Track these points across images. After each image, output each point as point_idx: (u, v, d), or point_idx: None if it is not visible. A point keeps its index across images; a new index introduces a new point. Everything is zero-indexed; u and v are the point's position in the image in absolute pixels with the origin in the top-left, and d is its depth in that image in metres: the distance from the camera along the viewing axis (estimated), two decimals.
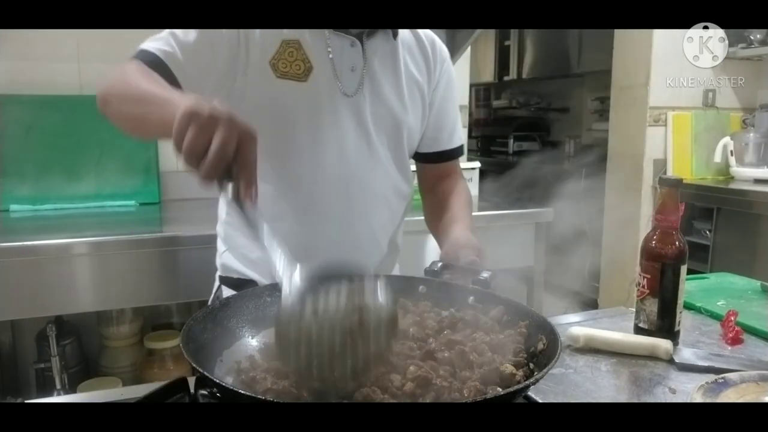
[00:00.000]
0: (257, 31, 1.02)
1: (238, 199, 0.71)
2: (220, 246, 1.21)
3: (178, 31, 0.99)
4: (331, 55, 1.05)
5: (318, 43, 1.05)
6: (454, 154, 1.28)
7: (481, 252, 1.00)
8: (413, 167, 1.28)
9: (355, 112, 1.09)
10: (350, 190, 1.10)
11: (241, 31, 1.01)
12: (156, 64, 0.96)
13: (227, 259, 1.19)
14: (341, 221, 1.11)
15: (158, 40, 1.00)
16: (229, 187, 0.71)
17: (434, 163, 1.27)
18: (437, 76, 1.21)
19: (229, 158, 0.69)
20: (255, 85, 1.03)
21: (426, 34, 1.21)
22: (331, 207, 1.09)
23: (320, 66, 1.05)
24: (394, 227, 1.22)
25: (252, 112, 1.01)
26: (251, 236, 0.73)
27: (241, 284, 1.13)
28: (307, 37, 1.04)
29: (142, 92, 0.89)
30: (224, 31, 1.00)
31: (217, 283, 1.22)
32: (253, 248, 1.13)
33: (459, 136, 1.29)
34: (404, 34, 1.16)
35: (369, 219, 1.13)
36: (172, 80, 0.96)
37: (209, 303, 1.21)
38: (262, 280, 1.10)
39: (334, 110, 1.07)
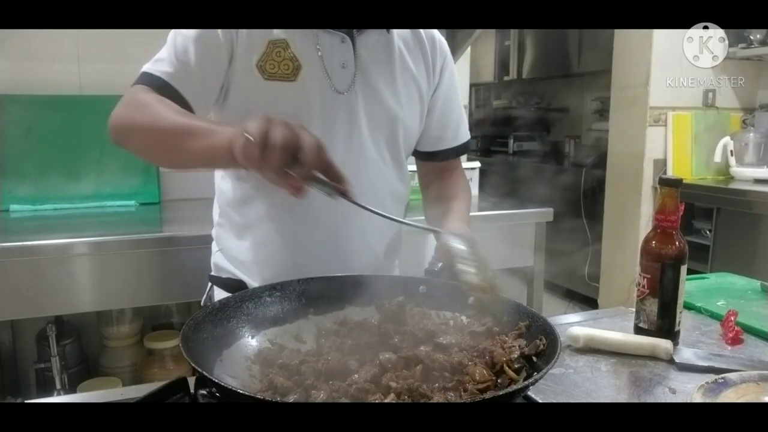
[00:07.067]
0: (243, 33, 1.00)
1: (341, 193, 0.78)
2: (214, 247, 1.21)
3: (178, 49, 0.99)
4: (320, 53, 1.03)
5: (307, 41, 1.03)
6: (458, 151, 1.25)
7: (474, 242, 0.98)
8: (412, 167, 1.25)
9: (347, 110, 1.06)
10: None
11: (231, 36, 0.99)
12: (165, 88, 0.98)
13: (219, 259, 1.18)
14: (331, 224, 1.08)
15: (160, 62, 1.00)
16: (322, 187, 0.77)
17: (437, 161, 1.25)
18: (438, 72, 1.17)
19: (325, 150, 0.76)
20: (243, 90, 1.02)
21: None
22: (320, 209, 1.05)
23: (309, 64, 1.03)
24: (392, 232, 1.19)
25: (241, 117, 1.01)
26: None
27: (231, 284, 1.13)
28: (295, 35, 1.02)
29: (178, 124, 0.91)
30: (221, 40, 0.99)
31: (209, 283, 1.21)
32: (241, 250, 1.12)
33: (464, 131, 1.25)
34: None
35: (362, 223, 1.10)
36: (183, 103, 0.98)
37: (202, 303, 1.22)
38: (251, 281, 1.10)
39: (324, 108, 1.04)
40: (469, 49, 2.67)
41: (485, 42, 5.08)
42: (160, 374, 1.95)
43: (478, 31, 2.54)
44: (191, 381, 0.72)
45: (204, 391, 0.68)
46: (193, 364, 0.63)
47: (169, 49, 1.01)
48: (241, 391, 0.60)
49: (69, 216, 1.98)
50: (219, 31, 0.99)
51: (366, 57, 1.07)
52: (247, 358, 0.77)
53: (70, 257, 1.62)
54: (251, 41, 1.01)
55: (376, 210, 0.83)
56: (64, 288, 1.63)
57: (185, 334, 0.71)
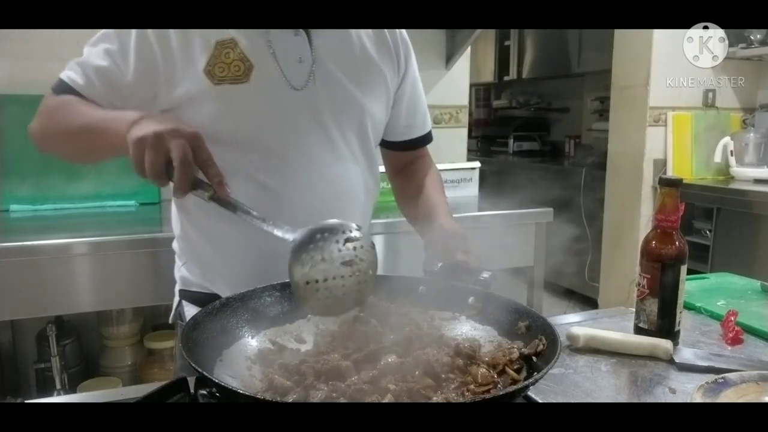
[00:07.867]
0: (180, 42, 0.95)
1: (216, 197, 0.80)
2: (178, 261, 1.17)
3: (90, 64, 0.98)
4: (272, 50, 0.97)
5: (256, 38, 0.97)
6: (426, 139, 1.23)
7: (468, 240, 0.98)
8: (381, 167, 1.20)
9: (308, 106, 1.00)
10: (314, 190, 1.03)
11: (153, 53, 0.94)
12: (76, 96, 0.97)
13: (185, 272, 1.14)
14: (308, 223, 1.04)
15: (71, 69, 1.00)
16: (200, 191, 0.80)
17: (408, 151, 1.22)
18: (404, 60, 1.13)
19: (191, 165, 0.77)
20: (193, 99, 0.96)
21: None
22: (293, 211, 1.00)
23: (261, 63, 0.97)
24: (366, 225, 1.15)
25: (198, 127, 0.97)
26: (246, 219, 0.80)
27: (201, 298, 1.07)
28: (242, 33, 0.96)
29: (80, 125, 0.93)
30: (131, 52, 0.95)
31: (177, 298, 1.17)
32: (211, 260, 1.08)
33: (428, 119, 1.24)
34: None
35: (338, 219, 1.07)
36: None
37: (170, 320, 1.20)
38: (223, 293, 1.02)
39: (284, 107, 0.99)
40: (469, 49, 2.67)
41: (485, 42, 5.08)
42: (160, 374, 1.96)
43: (478, 31, 2.55)
44: (191, 381, 0.72)
45: (204, 391, 0.68)
46: (193, 364, 0.63)
47: (78, 60, 1.01)
48: (241, 391, 0.60)
49: (69, 216, 1.98)
50: (132, 50, 0.95)
51: (323, 49, 1.01)
52: (247, 358, 0.77)
53: (70, 257, 1.62)
54: (194, 47, 0.95)
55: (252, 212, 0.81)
56: (64, 288, 1.63)
57: (185, 334, 0.71)
